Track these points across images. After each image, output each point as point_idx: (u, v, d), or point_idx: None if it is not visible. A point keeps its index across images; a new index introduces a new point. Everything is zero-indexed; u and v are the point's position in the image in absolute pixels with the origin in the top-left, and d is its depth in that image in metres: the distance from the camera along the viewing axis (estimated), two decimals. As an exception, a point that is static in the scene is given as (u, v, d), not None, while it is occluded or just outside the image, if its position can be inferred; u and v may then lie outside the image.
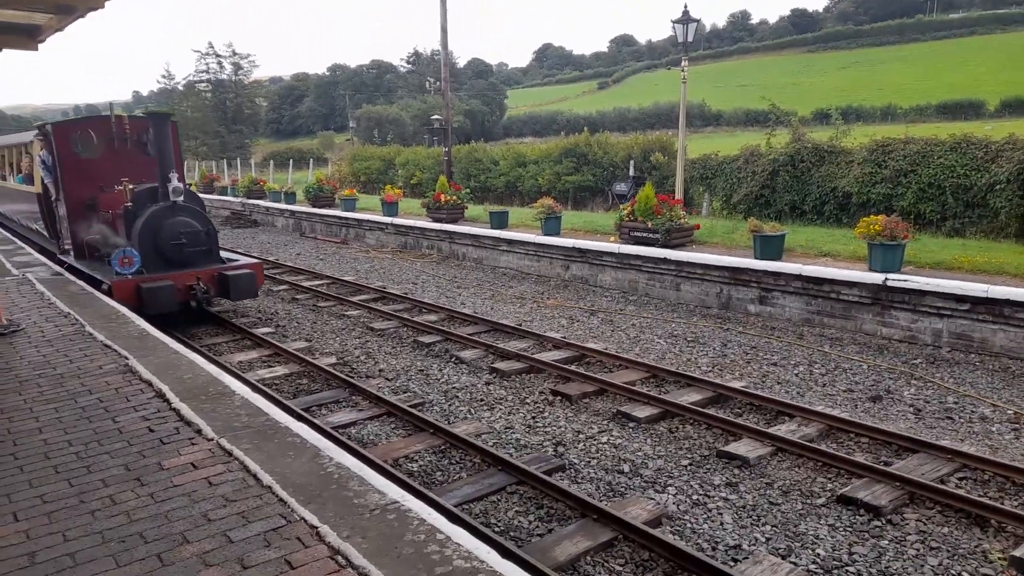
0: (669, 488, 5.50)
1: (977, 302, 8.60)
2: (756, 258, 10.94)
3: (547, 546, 4.58)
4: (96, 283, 9.83)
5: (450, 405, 7.34)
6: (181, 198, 9.71)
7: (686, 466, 5.88)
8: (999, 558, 4.53)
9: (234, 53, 74.27)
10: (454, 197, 17.86)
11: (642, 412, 6.88)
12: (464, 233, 16.57)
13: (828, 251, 11.18)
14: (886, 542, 4.74)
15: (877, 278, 9.39)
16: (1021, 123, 33.02)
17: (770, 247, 10.87)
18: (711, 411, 6.90)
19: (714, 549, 4.68)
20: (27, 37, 8.92)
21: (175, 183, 9.59)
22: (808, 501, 5.29)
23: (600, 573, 4.42)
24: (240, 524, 3.55)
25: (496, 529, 4.86)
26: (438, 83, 25.10)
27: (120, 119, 11.31)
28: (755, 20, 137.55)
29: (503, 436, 6.50)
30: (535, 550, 4.49)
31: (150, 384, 5.66)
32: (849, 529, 4.91)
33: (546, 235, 14.45)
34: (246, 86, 75.78)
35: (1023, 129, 14.32)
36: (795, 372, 8.29)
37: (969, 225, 12.81)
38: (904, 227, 9.80)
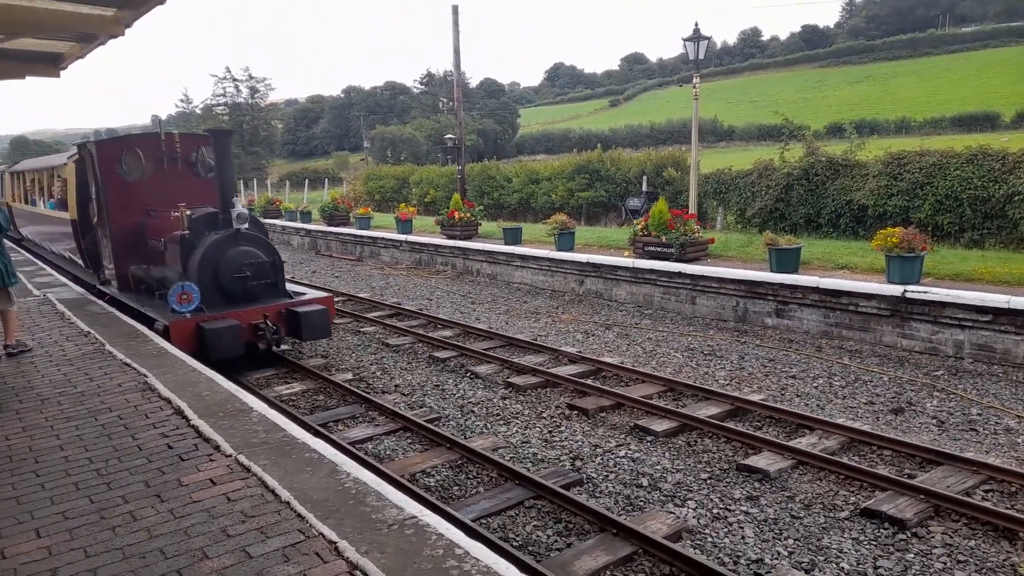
0: (689, 502, 5.44)
1: (999, 313, 8.49)
2: (772, 271, 10.88)
3: (566, 561, 4.53)
4: (144, 319, 8.85)
5: (466, 420, 7.32)
6: (245, 225, 8.64)
7: (705, 480, 5.82)
8: (1029, 572, 4.43)
9: (250, 77, 75.62)
10: (468, 214, 17.95)
11: (660, 426, 6.82)
12: (478, 249, 16.62)
13: (845, 263, 11.09)
14: (912, 555, 4.66)
15: (896, 290, 9.30)
16: (1038, 134, 32.73)
17: (786, 260, 10.81)
18: (730, 424, 6.84)
19: (736, 563, 4.62)
20: (50, 64, 9.16)
21: (239, 208, 8.56)
22: (831, 515, 5.21)
23: (620, 588, 4.37)
24: (259, 540, 3.55)
25: (514, 544, 4.82)
26: (451, 103, 25.29)
27: (170, 136, 10.34)
28: (766, 37, 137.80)
29: (520, 450, 6.47)
30: (554, 565, 4.45)
31: (169, 401, 5.69)
32: (873, 543, 4.83)
33: (560, 250, 14.46)
34: (262, 109, 76.96)
35: (1040, 139, 14.20)
36: (814, 385, 8.20)
37: (988, 236, 12.68)
38: (922, 239, 9.72)
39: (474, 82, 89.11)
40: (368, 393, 8.05)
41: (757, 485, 5.70)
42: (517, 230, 16.42)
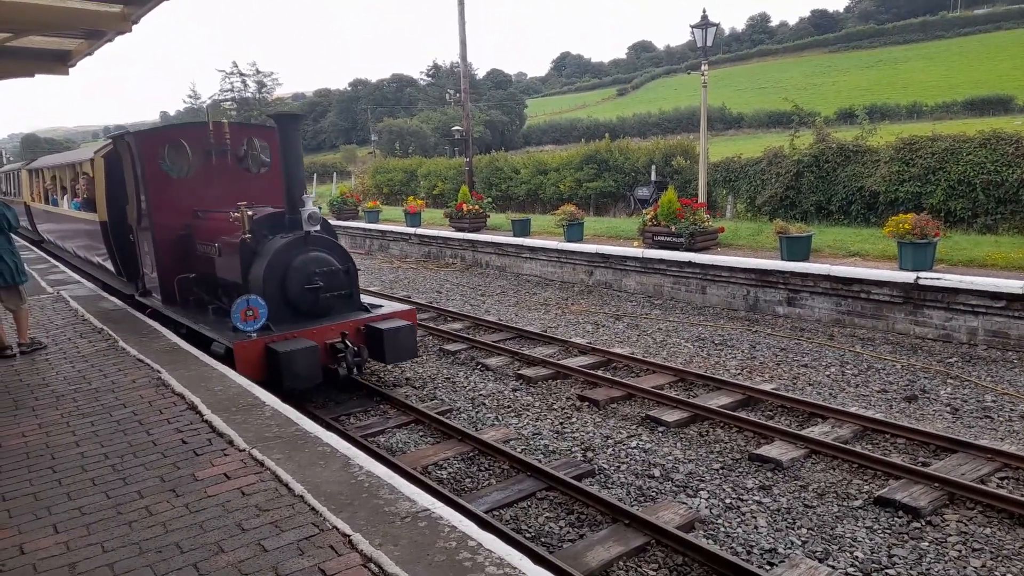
0: (701, 492, 5.44)
1: (1013, 299, 8.41)
2: (783, 259, 10.82)
3: (579, 551, 4.54)
4: (195, 338, 7.68)
5: (477, 412, 7.34)
6: (317, 227, 7.51)
7: (718, 470, 5.81)
8: (1045, 559, 4.40)
9: (258, 72, 75.91)
10: (476, 206, 17.94)
11: (671, 416, 6.82)
12: (487, 241, 16.61)
13: (856, 251, 11.02)
14: (926, 544, 4.64)
15: (908, 277, 9.23)
16: (1052, 116, 32.33)
17: (797, 248, 10.75)
18: (742, 414, 6.82)
19: (749, 553, 4.61)
20: (58, 62, 9.18)
21: (311, 208, 7.39)
22: (844, 503, 5.19)
23: (633, 579, 4.37)
24: (274, 533, 3.58)
25: (527, 535, 4.84)
26: (458, 95, 25.21)
27: (219, 127, 9.07)
28: (775, 22, 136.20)
29: (531, 442, 6.48)
30: (567, 556, 4.46)
31: (182, 397, 5.73)
32: (888, 531, 4.81)
33: (569, 241, 14.44)
34: (270, 103, 77.14)
35: (1055, 122, 14.02)
36: (827, 373, 8.16)
37: (1002, 221, 12.54)
38: (934, 225, 9.64)
39: (481, 73, 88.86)
40: (379, 386, 8.08)
41: (770, 475, 5.68)
42: (526, 222, 16.40)
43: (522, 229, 16.11)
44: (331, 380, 7.48)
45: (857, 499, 5.24)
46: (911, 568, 4.38)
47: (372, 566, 3.24)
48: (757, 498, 5.32)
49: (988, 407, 6.95)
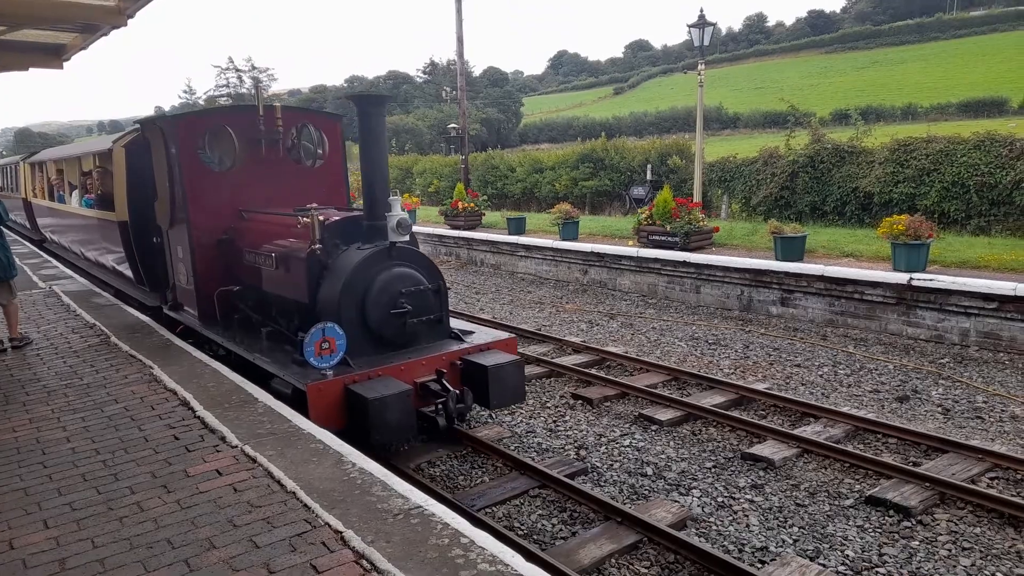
0: (693, 490, 5.45)
1: (1005, 300, 8.45)
2: (777, 259, 10.84)
3: (571, 549, 4.55)
4: (248, 367, 6.29)
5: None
6: (407, 236, 6.14)
7: (710, 468, 5.83)
8: (1034, 559, 4.42)
9: (253, 67, 75.63)
10: (472, 204, 17.94)
11: (664, 415, 6.83)
12: (482, 239, 16.61)
13: (850, 251, 11.05)
14: (917, 543, 4.66)
15: (902, 278, 9.26)
16: (1046, 119, 32.47)
17: (791, 248, 10.77)
18: (734, 413, 6.84)
19: (740, 551, 4.63)
20: (53, 56, 9.12)
21: (399, 213, 6.04)
22: (836, 503, 5.22)
23: (625, 577, 4.39)
24: (265, 529, 3.57)
25: (519, 532, 4.84)
26: (454, 92, 25.19)
27: (271, 112, 7.61)
28: (771, 22, 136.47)
29: (524, 440, 6.48)
30: (559, 553, 4.47)
31: (175, 393, 5.72)
32: (879, 530, 4.83)
33: (564, 240, 14.44)
34: (265, 99, 76.86)
35: (1048, 124, 14.09)
36: (819, 373, 8.19)
37: (995, 223, 12.60)
38: (928, 226, 9.67)
39: (477, 71, 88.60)
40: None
41: (762, 474, 5.70)
42: (521, 220, 16.40)
43: (517, 227, 16.12)
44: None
45: (848, 498, 5.27)
46: (901, 567, 4.41)
47: (364, 563, 3.24)
48: (749, 497, 5.34)
49: (979, 408, 6.99)
